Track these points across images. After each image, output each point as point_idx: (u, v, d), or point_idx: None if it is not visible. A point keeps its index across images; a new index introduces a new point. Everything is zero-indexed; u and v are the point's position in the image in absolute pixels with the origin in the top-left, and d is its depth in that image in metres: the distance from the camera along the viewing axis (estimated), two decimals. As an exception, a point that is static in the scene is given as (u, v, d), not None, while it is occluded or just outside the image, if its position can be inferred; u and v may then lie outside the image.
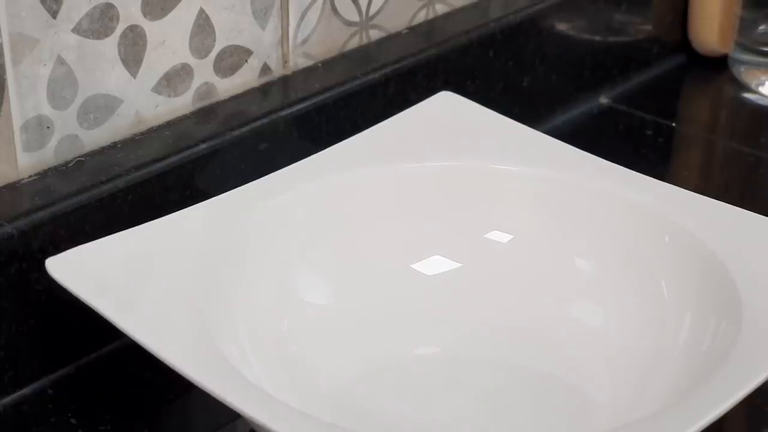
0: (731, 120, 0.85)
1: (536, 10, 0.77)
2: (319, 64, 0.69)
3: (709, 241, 0.55)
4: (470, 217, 0.61)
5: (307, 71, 0.69)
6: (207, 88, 0.64)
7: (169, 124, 0.63)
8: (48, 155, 0.58)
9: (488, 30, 0.74)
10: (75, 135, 0.59)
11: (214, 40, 0.64)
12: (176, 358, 0.47)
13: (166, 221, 0.55)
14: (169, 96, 0.63)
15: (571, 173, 0.60)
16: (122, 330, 0.48)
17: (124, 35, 0.59)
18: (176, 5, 0.61)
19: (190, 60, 0.63)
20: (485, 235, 0.61)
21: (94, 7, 0.57)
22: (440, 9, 0.75)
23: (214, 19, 0.63)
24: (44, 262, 0.51)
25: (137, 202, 0.58)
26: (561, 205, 0.60)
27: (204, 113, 0.64)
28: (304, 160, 0.60)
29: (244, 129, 0.63)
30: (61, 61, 0.57)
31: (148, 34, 0.60)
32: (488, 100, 0.67)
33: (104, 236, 0.53)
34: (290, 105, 0.65)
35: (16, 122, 0.56)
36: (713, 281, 0.54)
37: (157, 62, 0.61)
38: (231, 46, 0.65)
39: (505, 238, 0.61)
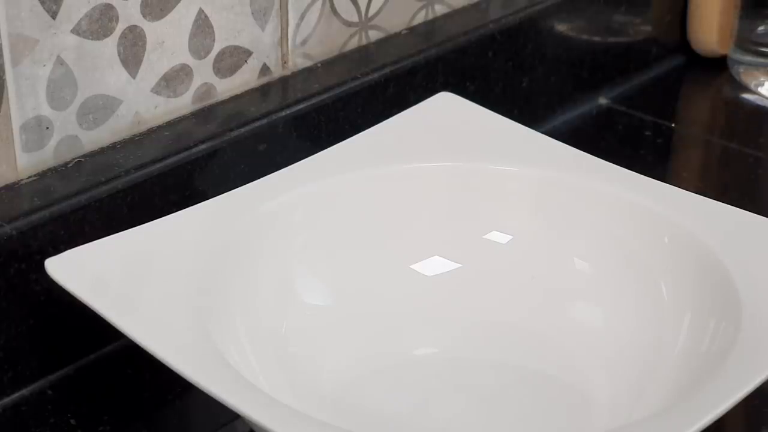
0: (730, 120, 0.85)
1: (535, 11, 0.77)
2: (319, 65, 0.69)
3: (709, 241, 0.55)
4: (469, 218, 0.61)
5: (307, 72, 0.69)
6: (206, 89, 0.64)
7: (169, 125, 0.63)
8: (47, 156, 0.58)
9: (487, 30, 0.74)
10: (74, 135, 0.59)
11: (214, 41, 0.64)
12: (175, 359, 0.47)
13: (165, 222, 0.55)
14: (169, 96, 0.63)
15: (570, 174, 0.60)
16: (121, 330, 0.48)
17: (123, 36, 0.59)
18: (175, 6, 0.61)
19: (190, 60, 0.63)
20: (484, 236, 0.61)
21: (94, 8, 0.57)
22: (439, 10, 0.75)
23: (213, 20, 0.63)
24: (43, 262, 0.51)
25: (137, 202, 0.58)
26: (560, 206, 0.60)
27: (203, 114, 0.64)
28: (303, 160, 0.60)
29: (244, 129, 0.63)
30: (60, 61, 0.57)
31: (147, 34, 0.60)
32: (487, 101, 0.67)
33: (103, 237, 0.53)
34: (289, 105, 0.65)
35: (16, 123, 0.56)
36: (713, 282, 0.54)
37: (156, 63, 0.61)
38: (230, 46, 0.65)
39: (504, 238, 0.61)
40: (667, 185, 0.59)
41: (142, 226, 0.54)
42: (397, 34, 0.73)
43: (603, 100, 0.83)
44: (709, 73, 0.88)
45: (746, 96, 0.85)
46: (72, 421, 0.55)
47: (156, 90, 0.62)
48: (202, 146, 0.61)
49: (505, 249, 0.60)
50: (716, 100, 0.88)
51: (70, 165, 0.59)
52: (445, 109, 0.65)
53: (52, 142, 0.58)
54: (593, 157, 0.61)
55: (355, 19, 0.71)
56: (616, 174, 0.60)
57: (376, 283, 0.59)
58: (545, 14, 0.78)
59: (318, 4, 0.68)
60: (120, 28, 0.59)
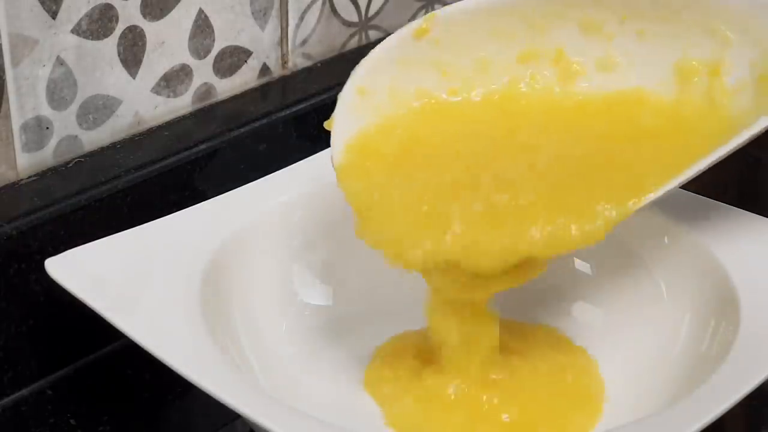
0: (730, 120, 0.85)
1: (535, 11, 0.77)
2: (319, 65, 0.69)
3: (709, 241, 0.55)
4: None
5: (307, 72, 0.69)
6: (206, 89, 0.64)
7: (169, 125, 0.63)
8: (47, 156, 0.58)
9: (487, 30, 0.74)
10: (74, 136, 0.59)
11: (214, 41, 0.64)
12: (175, 359, 0.47)
13: (165, 222, 0.55)
14: (169, 96, 0.63)
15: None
16: (121, 330, 0.48)
17: (123, 36, 0.59)
18: (175, 6, 0.61)
19: (190, 60, 0.63)
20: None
21: (94, 8, 0.57)
22: (439, 9, 0.75)
23: (213, 20, 0.63)
24: (43, 262, 0.51)
25: (136, 202, 0.58)
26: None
27: (203, 114, 0.64)
28: (303, 160, 0.60)
29: (244, 129, 0.63)
30: (60, 61, 0.57)
31: (147, 34, 0.60)
32: (487, 101, 0.67)
33: (103, 237, 0.53)
34: (289, 105, 0.65)
35: (16, 123, 0.56)
36: (712, 282, 0.54)
37: (156, 63, 0.61)
38: (230, 46, 0.65)
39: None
40: (667, 185, 0.59)
41: (142, 226, 0.54)
42: (397, 34, 0.73)
43: (603, 100, 0.83)
44: (709, 73, 0.88)
45: (746, 96, 0.84)
46: (72, 421, 0.55)
47: (156, 90, 0.62)
48: (202, 146, 0.61)
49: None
50: (716, 99, 0.87)
51: (70, 165, 0.59)
52: (445, 109, 0.65)
53: (52, 142, 0.58)
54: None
55: (355, 19, 0.71)
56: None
57: (375, 283, 0.59)
58: (545, 14, 0.77)
59: (318, 4, 0.68)
60: (120, 28, 0.59)
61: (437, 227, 0.50)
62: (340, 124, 0.53)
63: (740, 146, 0.51)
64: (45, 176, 0.58)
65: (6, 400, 0.56)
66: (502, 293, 0.59)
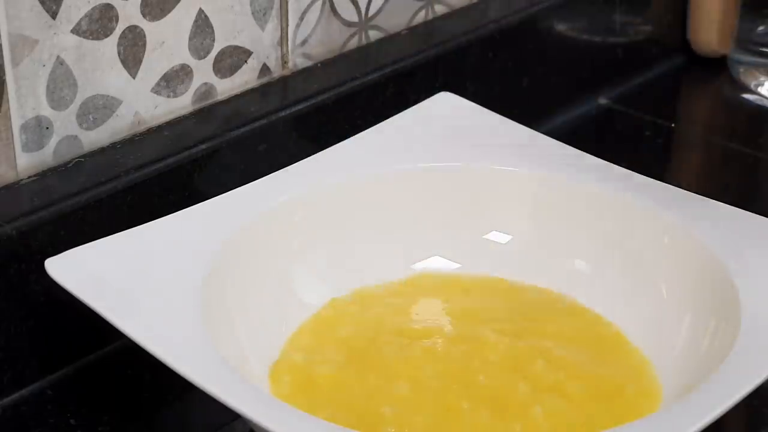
0: (730, 121, 0.85)
1: (535, 11, 0.77)
2: (319, 65, 0.69)
3: (709, 241, 0.55)
4: (469, 218, 0.61)
5: (307, 72, 0.69)
6: (206, 89, 0.64)
7: (169, 125, 0.63)
8: (47, 156, 0.58)
9: (487, 31, 0.74)
10: (74, 136, 0.59)
11: (214, 41, 0.64)
12: (175, 359, 0.47)
13: (165, 222, 0.55)
14: (169, 96, 0.63)
15: (570, 174, 0.60)
16: (121, 331, 0.48)
17: (123, 36, 0.59)
18: (175, 6, 0.61)
19: (190, 60, 0.63)
20: (484, 236, 0.61)
21: (94, 8, 0.57)
22: (439, 9, 0.75)
23: (213, 20, 0.63)
24: (43, 262, 0.51)
25: (136, 202, 0.58)
26: (560, 206, 0.60)
27: (203, 114, 0.64)
28: (303, 160, 0.60)
29: (244, 129, 0.63)
30: (60, 61, 0.57)
31: (147, 34, 0.60)
32: (487, 101, 0.67)
33: (104, 237, 0.53)
34: (289, 105, 0.65)
35: (16, 123, 0.56)
36: (713, 282, 0.54)
37: (156, 63, 0.61)
38: (230, 46, 0.65)
39: (504, 238, 0.61)
40: (667, 185, 0.59)
41: (142, 226, 0.54)
42: (397, 34, 0.73)
43: (603, 100, 0.83)
44: (709, 73, 0.88)
45: (746, 96, 0.85)
46: (72, 421, 0.55)
47: (156, 90, 0.62)
48: (202, 146, 0.61)
49: (505, 249, 0.60)
50: (716, 100, 0.88)
51: (70, 165, 0.59)
52: (445, 109, 0.65)
53: (52, 142, 0.58)
54: (594, 157, 0.61)
55: (355, 19, 0.71)
56: (616, 174, 0.60)
57: (375, 283, 0.59)
58: (545, 14, 0.78)
59: (318, 4, 0.68)
60: (120, 28, 0.59)
61: None
62: None
63: None
64: (45, 176, 0.58)
65: (6, 400, 0.56)
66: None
